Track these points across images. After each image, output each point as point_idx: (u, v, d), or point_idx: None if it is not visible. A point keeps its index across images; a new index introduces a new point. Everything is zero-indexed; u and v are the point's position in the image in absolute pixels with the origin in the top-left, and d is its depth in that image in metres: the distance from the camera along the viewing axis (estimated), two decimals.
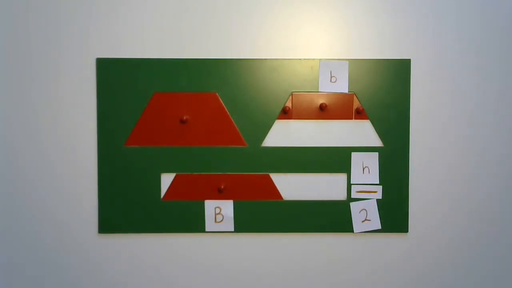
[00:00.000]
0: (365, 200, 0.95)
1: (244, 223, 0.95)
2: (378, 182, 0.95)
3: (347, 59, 0.93)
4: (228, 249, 0.96)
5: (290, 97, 0.94)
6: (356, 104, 0.94)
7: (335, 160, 0.94)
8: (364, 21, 0.94)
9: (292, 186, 0.95)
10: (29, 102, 0.93)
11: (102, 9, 0.92)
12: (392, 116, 0.94)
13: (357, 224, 0.94)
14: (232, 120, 0.93)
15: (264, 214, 0.95)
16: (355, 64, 0.93)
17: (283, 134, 0.94)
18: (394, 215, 0.95)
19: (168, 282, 0.96)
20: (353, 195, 0.95)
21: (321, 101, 0.94)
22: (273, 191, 0.95)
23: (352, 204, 0.95)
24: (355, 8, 0.94)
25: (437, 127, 0.95)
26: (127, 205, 0.94)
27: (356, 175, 0.94)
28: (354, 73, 0.93)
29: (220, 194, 0.94)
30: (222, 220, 0.94)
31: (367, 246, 0.97)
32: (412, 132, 0.95)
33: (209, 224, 0.94)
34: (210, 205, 0.94)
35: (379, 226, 0.94)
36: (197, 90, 0.93)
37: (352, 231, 0.95)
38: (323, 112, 0.94)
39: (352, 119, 0.94)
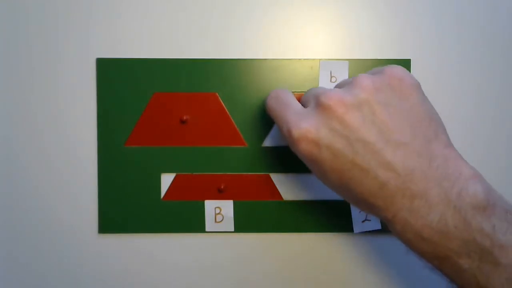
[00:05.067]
0: None
1: (244, 223, 0.95)
2: None
3: (347, 59, 0.93)
4: (228, 249, 0.96)
5: None
6: None
7: None
8: (364, 21, 0.94)
9: (292, 186, 0.95)
10: (29, 102, 0.93)
11: (102, 9, 0.92)
12: None
13: (357, 224, 0.94)
14: (232, 120, 0.93)
15: (264, 214, 0.94)
16: (355, 64, 0.93)
17: None
18: None
19: (168, 282, 0.96)
20: None
21: None
22: (273, 191, 0.95)
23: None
24: (355, 8, 0.94)
25: None
26: (127, 205, 0.94)
27: None
28: (354, 73, 0.93)
29: (220, 194, 0.94)
30: (222, 220, 0.94)
31: (367, 246, 0.97)
32: None
33: (209, 224, 0.94)
34: (210, 205, 0.94)
35: (379, 226, 0.94)
36: (197, 90, 0.93)
37: (352, 231, 0.95)
38: None
39: None
